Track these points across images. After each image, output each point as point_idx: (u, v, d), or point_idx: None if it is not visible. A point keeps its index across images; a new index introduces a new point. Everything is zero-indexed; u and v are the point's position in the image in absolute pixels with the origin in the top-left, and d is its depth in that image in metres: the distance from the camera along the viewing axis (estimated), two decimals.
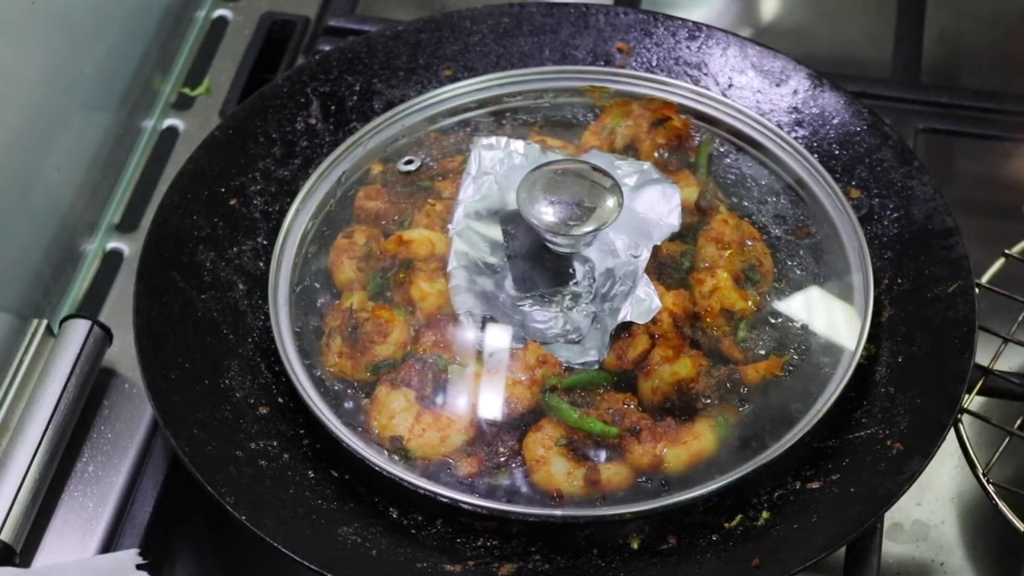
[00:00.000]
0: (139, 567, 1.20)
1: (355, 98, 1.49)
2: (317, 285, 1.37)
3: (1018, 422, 1.35)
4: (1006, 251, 1.40)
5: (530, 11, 1.53)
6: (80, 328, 1.36)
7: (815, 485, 1.22)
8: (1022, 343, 1.36)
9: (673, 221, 1.35)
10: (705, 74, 1.50)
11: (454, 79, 1.51)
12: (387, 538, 1.21)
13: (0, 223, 1.36)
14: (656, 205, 1.36)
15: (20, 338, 1.36)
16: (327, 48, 1.55)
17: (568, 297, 1.33)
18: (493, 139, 1.41)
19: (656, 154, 1.42)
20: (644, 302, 1.29)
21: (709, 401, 1.26)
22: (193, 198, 1.38)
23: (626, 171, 1.38)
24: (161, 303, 1.30)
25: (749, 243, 1.38)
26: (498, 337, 1.31)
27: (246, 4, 1.73)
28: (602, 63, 1.52)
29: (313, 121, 1.47)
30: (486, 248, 1.35)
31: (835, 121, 1.44)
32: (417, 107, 1.46)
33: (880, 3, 1.75)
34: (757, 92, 1.48)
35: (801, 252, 1.40)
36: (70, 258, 1.48)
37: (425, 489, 1.21)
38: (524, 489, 1.26)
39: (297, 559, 1.14)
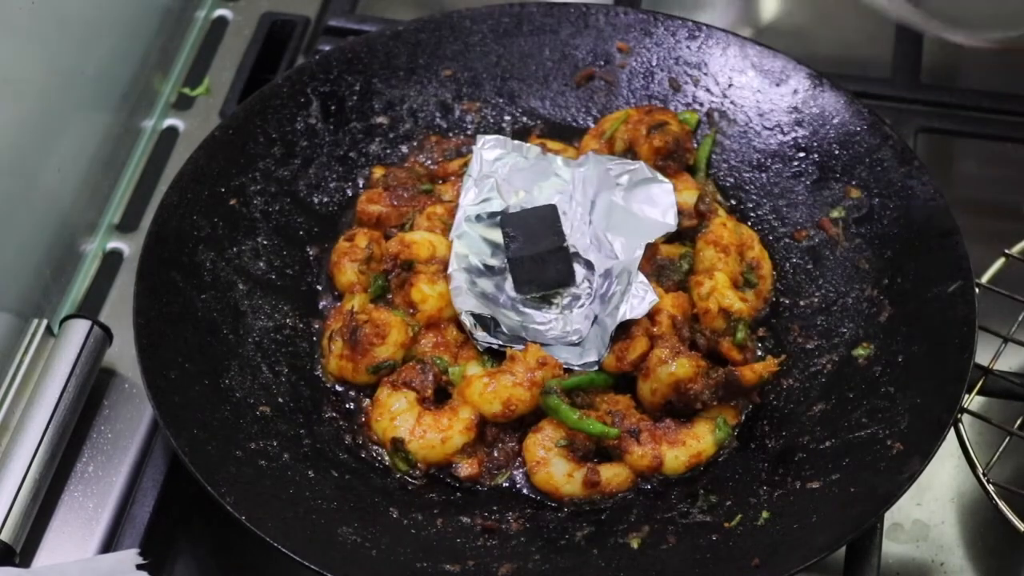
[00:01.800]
0: (139, 567, 1.20)
1: (355, 98, 1.49)
2: (319, 288, 1.38)
3: (1018, 422, 1.35)
4: (1006, 251, 1.40)
5: (530, 11, 1.53)
6: (80, 328, 1.36)
7: (815, 485, 1.22)
8: (1022, 343, 1.36)
9: (670, 221, 1.36)
10: (705, 74, 1.50)
11: (454, 79, 1.51)
12: (387, 538, 1.21)
13: (0, 223, 1.36)
14: (652, 204, 1.37)
15: (20, 338, 1.36)
16: (327, 48, 1.55)
17: (568, 298, 1.33)
18: (494, 140, 1.41)
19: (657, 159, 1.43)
20: (640, 297, 1.29)
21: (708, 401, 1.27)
22: (193, 198, 1.38)
23: (618, 171, 1.38)
24: (161, 303, 1.30)
25: (748, 245, 1.38)
26: (498, 339, 1.31)
27: (246, 4, 1.73)
28: (602, 62, 1.52)
29: (313, 121, 1.47)
30: (487, 250, 1.35)
31: (835, 121, 1.44)
32: None
33: None
34: (757, 92, 1.48)
35: (799, 253, 1.40)
36: (70, 258, 1.48)
37: None
38: (525, 490, 1.27)
39: (297, 559, 1.14)
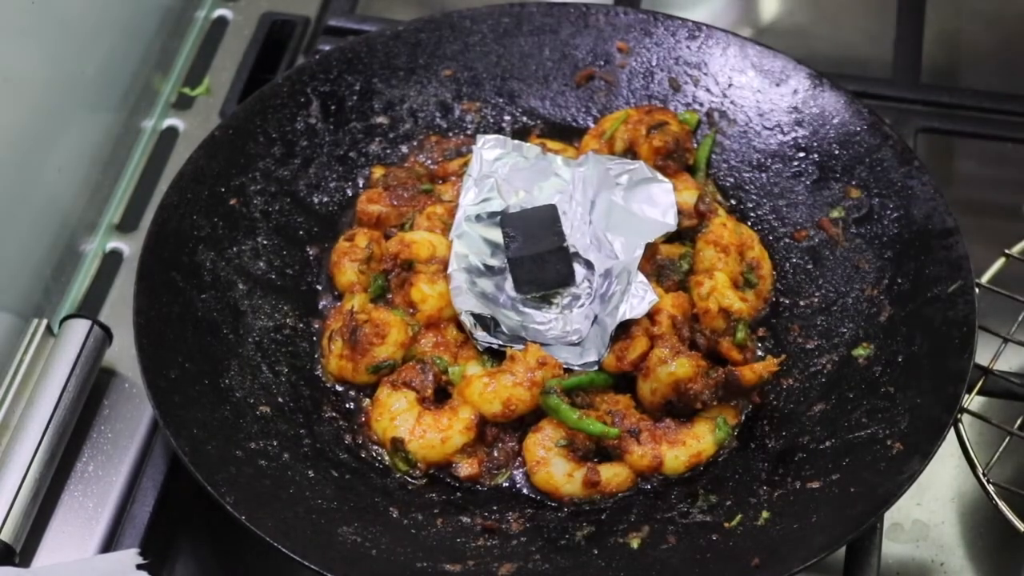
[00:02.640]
0: (139, 567, 1.20)
1: (355, 98, 1.49)
2: (319, 288, 1.38)
3: (1018, 422, 1.35)
4: (1006, 251, 1.40)
5: (530, 11, 1.53)
6: (80, 328, 1.36)
7: (815, 485, 1.22)
8: (1022, 343, 1.36)
9: (670, 220, 1.36)
10: (705, 74, 1.50)
11: (454, 79, 1.51)
12: (387, 538, 1.21)
13: (1, 223, 1.36)
14: (652, 204, 1.37)
15: (20, 338, 1.36)
16: (327, 48, 1.55)
17: (568, 298, 1.33)
18: (494, 140, 1.41)
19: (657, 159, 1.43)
20: (639, 297, 1.29)
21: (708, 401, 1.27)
22: (193, 198, 1.38)
23: (618, 171, 1.38)
24: (161, 303, 1.30)
25: (748, 245, 1.38)
26: (498, 338, 1.31)
27: (246, 4, 1.73)
28: (602, 62, 1.52)
29: (313, 121, 1.47)
30: (487, 250, 1.35)
31: (835, 121, 1.44)
32: None
33: (880, 3, 1.75)
34: (757, 92, 1.48)
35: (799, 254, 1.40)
36: (70, 258, 1.48)
37: None
38: (525, 490, 1.27)
39: (297, 559, 1.14)
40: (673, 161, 1.42)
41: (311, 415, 1.30)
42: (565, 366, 1.28)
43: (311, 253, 1.40)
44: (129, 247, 1.52)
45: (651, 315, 1.29)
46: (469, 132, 1.50)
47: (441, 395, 1.30)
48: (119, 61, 1.58)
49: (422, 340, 1.32)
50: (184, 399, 1.25)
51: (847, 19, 1.82)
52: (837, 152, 1.43)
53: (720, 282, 1.33)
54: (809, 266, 1.40)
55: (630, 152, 1.43)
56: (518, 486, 1.27)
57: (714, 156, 1.47)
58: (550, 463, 1.25)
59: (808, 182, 1.43)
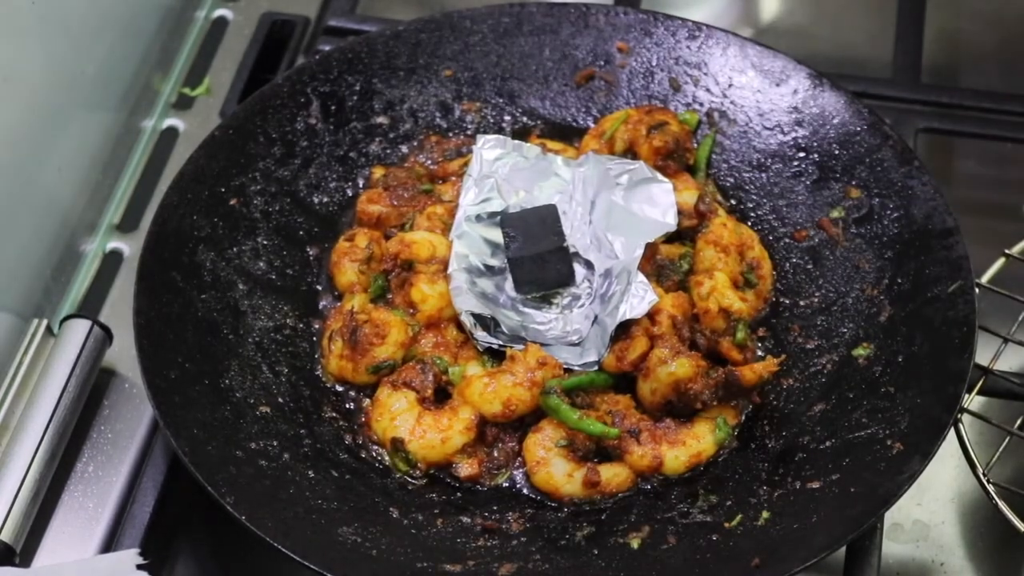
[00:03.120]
0: (139, 567, 1.20)
1: (355, 98, 1.49)
2: (319, 288, 1.38)
3: (1018, 422, 1.35)
4: (1006, 251, 1.40)
5: (530, 11, 1.53)
6: (80, 328, 1.36)
7: (815, 485, 1.22)
8: (1022, 343, 1.36)
9: (670, 220, 1.36)
10: (705, 74, 1.50)
11: (454, 79, 1.51)
12: (387, 538, 1.21)
13: (1, 223, 1.36)
14: (652, 204, 1.37)
15: (20, 338, 1.36)
16: (327, 48, 1.55)
17: (568, 298, 1.33)
18: (494, 140, 1.41)
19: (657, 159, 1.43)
20: (639, 297, 1.29)
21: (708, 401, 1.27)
22: (193, 198, 1.38)
23: (618, 171, 1.38)
24: (161, 303, 1.30)
25: (748, 245, 1.38)
26: (498, 339, 1.31)
27: (246, 4, 1.73)
28: (602, 62, 1.52)
29: (313, 121, 1.47)
30: (487, 250, 1.35)
31: (835, 121, 1.44)
32: None
33: (880, 3, 1.75)
34: (757, 92, 1.48)
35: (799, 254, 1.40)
36: (70, 258, 1.48)
37: None
38: (525, 490, 1.27)
39: (297, 559, 1.14)
40: (673, 161, 1.42)
41: (311, 415, 1.30)
42: (565, 366, 1.28)
43: (311, 253, 1.40)
44: (129, 247, 1.52)
45: (651, 315, 1.29)
46: (469, 132, 1.50)
47: (441, 395, 1.31)
48: (119, 61, 1.58)
49: (422, 340, 1.32)
50: (184, 399, 1.25)
51: (847, 19, 1.82)
52: (837, 152, 1.43)
53: (720, 282, 1.33)
54: (809, 266, 1.40)
55: (630, 152, 1.43)
56: (518, 486, 1.27)
57: (714, 156, 1.47)
58: (550, 463, 1.25)
59: (808, 182, 1.43)
